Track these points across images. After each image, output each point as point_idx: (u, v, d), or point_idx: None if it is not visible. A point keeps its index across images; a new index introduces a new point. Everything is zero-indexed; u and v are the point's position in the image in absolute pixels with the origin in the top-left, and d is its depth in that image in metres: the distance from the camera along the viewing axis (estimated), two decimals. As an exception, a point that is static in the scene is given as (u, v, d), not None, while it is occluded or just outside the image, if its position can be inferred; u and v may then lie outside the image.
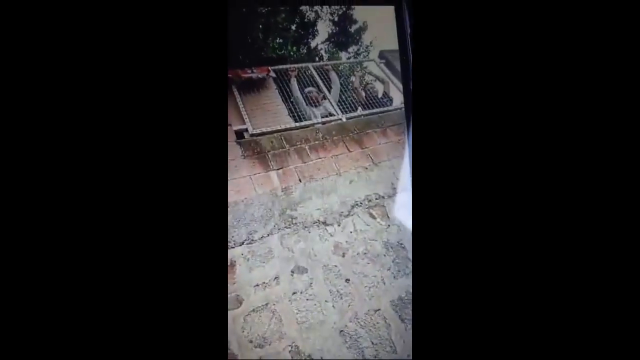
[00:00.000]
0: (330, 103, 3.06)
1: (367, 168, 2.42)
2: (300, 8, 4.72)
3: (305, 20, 4.78)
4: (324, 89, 3.17)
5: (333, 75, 3.27)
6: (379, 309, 1.80)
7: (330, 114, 2.99)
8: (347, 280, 1.88)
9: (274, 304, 1.79)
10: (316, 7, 5.06)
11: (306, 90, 3.18)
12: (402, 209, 2.21)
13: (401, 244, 2.05)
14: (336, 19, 5.08)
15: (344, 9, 5.05)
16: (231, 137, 2.46)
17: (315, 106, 3.10)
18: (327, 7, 4.95)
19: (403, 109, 3.06)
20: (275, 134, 2.59)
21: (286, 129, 2.69)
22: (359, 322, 1.76)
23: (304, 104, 3.05)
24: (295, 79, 3.19)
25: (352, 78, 3.55)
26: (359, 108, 3.16)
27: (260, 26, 3.91)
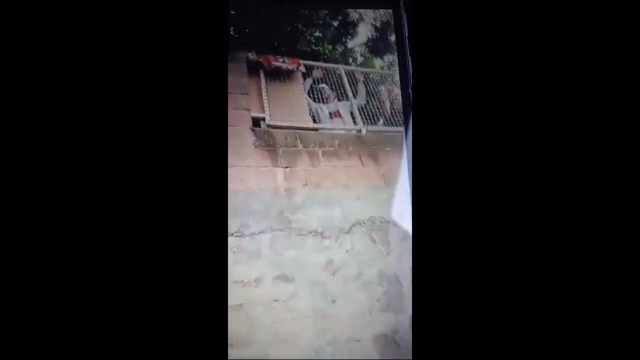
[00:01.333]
0: (351, 110, 2.94)
1: (377, 187, 2.30)
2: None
3: (348, 19, 4.65)
4: (350, 95, 3.06)
5: (361, 88, 3.16)
6: (359, 340, 1.70)
7: (339, 112, 2.89)
8: (333, 301, 1.78)
9: (248, 307, 1.69)
10: (361, 10, 4.93)
11: (319, 86, 3.08)
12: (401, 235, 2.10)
13: (397, 276, 1.94)
14: (379, 24, 4.94)
15: (388, 17, 4.91)
16: (247, 123, 2.35)
17: (325, 103, 3.00)
18: (372, 10, 4.82)
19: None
20: (291, 130, 2.48)
21: (303, 128, 2.57)
22: (337, 347, 1.66)
23: (312, 103, 2.95)
24: (310, 80, 3.08)
25: (382, 88, 3.42)
26: (382, 120, 3.05)
27: (303, 16, 3.79)
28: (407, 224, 2.32)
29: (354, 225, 2.08)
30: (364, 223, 2.11)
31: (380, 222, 2.14)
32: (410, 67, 1.21)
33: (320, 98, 3.08)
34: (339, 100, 3.09)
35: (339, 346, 1.66)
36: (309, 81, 3.06)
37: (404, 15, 1.25)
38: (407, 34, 1.24)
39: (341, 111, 2.95)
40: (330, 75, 3.20)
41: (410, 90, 1.18)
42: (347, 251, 1.96)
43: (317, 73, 3.11)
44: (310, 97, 3.12)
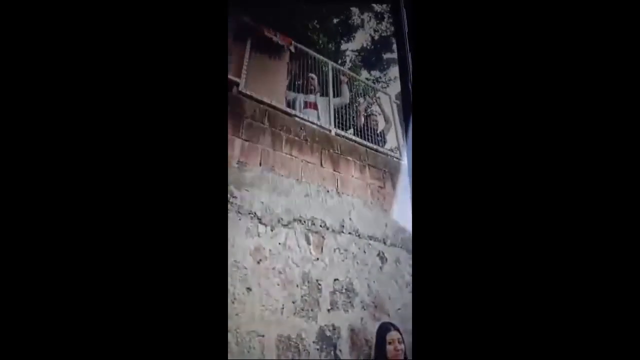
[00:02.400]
0: (328, 108, 2.89)
1: (328, 191, 2.26)
2: (351, 8, 4.54)
3: (350, 21, 4.60)
4: (330, 93, 3.00)
5: (344, 89, 3.12)
6: (263, 335, 1.63)
7: (315, 105, 2.84)
8: (249, 289, 1.70)
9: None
10: (364, 17, 4.91)
11: (308, 75, 3.01)
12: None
13: (319, 283, 1.90)
14: (377, 37, 4.93)
15: (388, 33, 4.91)
16: (219, 83, 2.22)
17: (306, 93, 2.93)
18: (376, 22, 4.81)
19: (390, 156, 2.97)
20: (262, 105, 2.37)
21: (275, 108, 2.48)
22: (238, 336, 1.58)
23: (290, 94, 2.89)
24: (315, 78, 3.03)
25: (361, 99, 3.40)
26: (352, 130, 3.02)
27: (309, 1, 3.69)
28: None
29: (294, 220, 2.01)
30: (305, 222, 2.05)
31: (321, 225, 2.10)
32: (410, 62, 1.20)
33: (305, 87, 2.98)
34: (321, 95, 3.02)
35: (240, 335, 1.59)
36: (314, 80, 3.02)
37: (404, 10, 1.24)
38: (406, 29, 1.23)
39: (319, 105, 2.88)
40: (317, 67, 3.13)
41: (410, 86, 1.17)
42: (279, 244, 1.89)
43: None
44: (295, 83, 3.03)
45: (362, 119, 3.08)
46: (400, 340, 1.72)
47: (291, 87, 3.00)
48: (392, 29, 4.53)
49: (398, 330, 1.75)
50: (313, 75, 3.02)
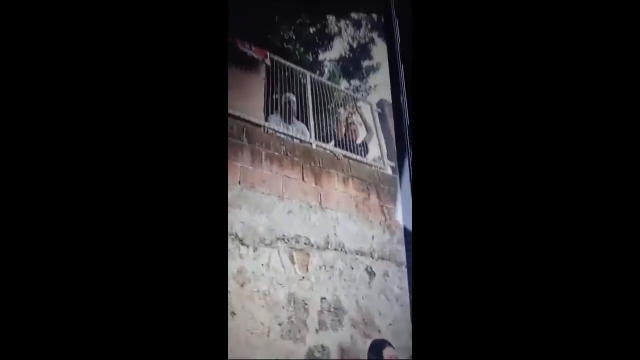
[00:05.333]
0: (307, 123, 2.83)
1: (311, 207, 2.21)
2: (328, 17, 4.55)
3: (326, 30, 4.60)
4: (310, 105, 2.96)
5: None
6: (249, 362, 1.57)
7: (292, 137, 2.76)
8: (233, 313, 1.64)
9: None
10: (341, 25, 4.92)
11: (286, 96, 2.91)
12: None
13: (306, 304, 1.85)
14: (355, 45, 4.94)
15: (366, 40, 4.92)
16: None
17: (287, 122, 2.83)
18: (353, 29, 4.82)
19: (374, 167, 2.94)
20: (239, 121, 2.32)
21: (253, 123, 2.43)
22: (220, 364, 1.52)
23: (274, 117, 2.78)
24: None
25: (341, 110, 3.38)
26: (333, 142, 2.98)
27: (282, 9, 3.66)
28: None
29: (277, 239, 1.96)
30: (288, 240, 2.00)
31: (305, 243, 2.05)
32: (403, 73, 1.24)
33: (286, 113, 2.89)
34: (298, 118, 2.96)
35: (225, 363, 1.53)
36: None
37: (396, 20, 1.28)
38: (399, 40, 1.25)
39: (299, 133, 2.80)
40: (294, 80, 3.09)
41: (401, 98, 1.24)
42: (262, 265, 1.84)
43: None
44: (272, 98, 2.96)
45: (343, 130, 3.04)
46: (396, 357, 1.68)
47: (268, 104, 2.92)
48: (370, 35, 4.58)
49: (392, 346, 1.71)
50: (292, 99, 2.93)
